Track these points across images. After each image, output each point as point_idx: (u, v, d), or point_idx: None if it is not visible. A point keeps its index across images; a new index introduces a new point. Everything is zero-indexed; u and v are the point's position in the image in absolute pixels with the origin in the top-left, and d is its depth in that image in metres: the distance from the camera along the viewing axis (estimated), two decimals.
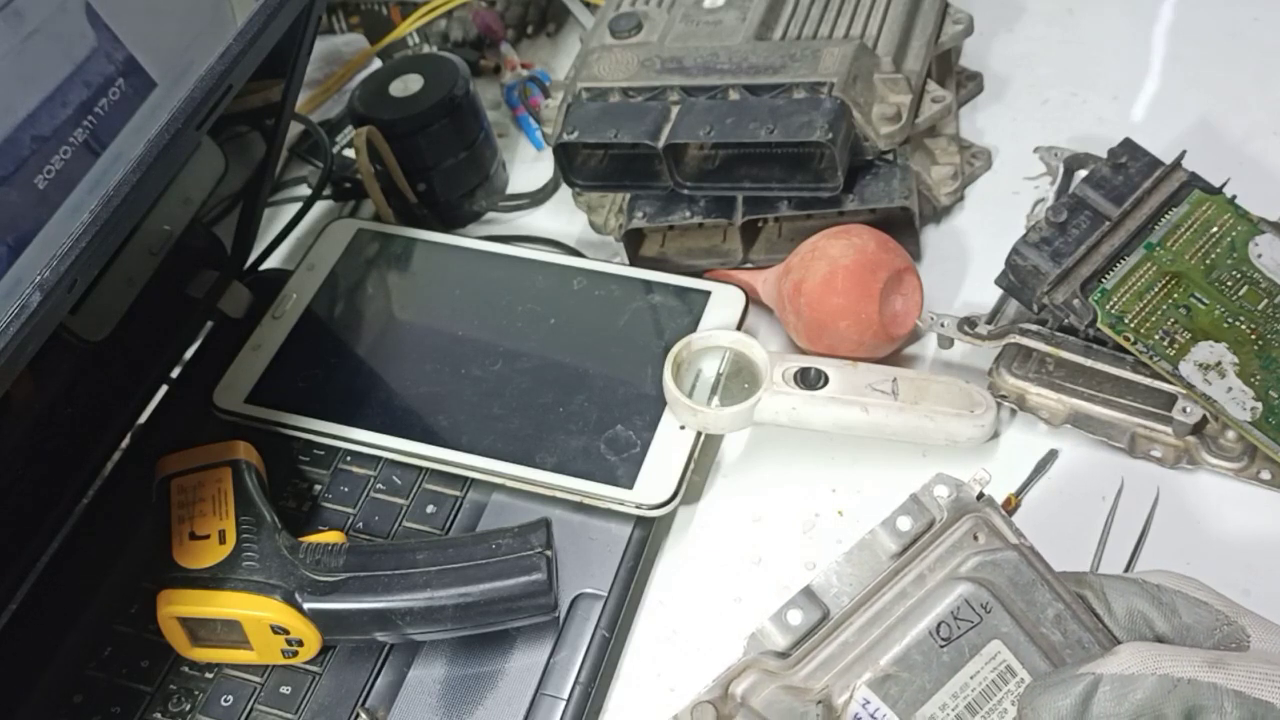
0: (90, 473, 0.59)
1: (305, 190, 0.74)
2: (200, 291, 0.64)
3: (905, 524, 0.39)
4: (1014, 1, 0.75)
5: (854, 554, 0.39)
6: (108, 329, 0.55)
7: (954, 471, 0.54)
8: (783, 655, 0.38)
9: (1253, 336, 0.51)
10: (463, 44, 0.81)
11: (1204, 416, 0.50)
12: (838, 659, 0.38)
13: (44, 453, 0.56)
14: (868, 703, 0.37)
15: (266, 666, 0.51)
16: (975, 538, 0.38)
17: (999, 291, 0.56)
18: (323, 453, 0.58)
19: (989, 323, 0.56)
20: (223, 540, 0.51)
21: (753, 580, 0.53)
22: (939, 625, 0.37)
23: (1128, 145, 0.56)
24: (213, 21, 0.52)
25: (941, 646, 0.37)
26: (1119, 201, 0.54)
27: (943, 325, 0.56)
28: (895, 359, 0.59)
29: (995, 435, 0.55)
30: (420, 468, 0.57)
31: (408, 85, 0.68)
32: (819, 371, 0.54)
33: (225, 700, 0.51)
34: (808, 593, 0.39)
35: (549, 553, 0.50)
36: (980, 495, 0.39)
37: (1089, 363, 0.53)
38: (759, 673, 0.38)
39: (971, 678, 0.37)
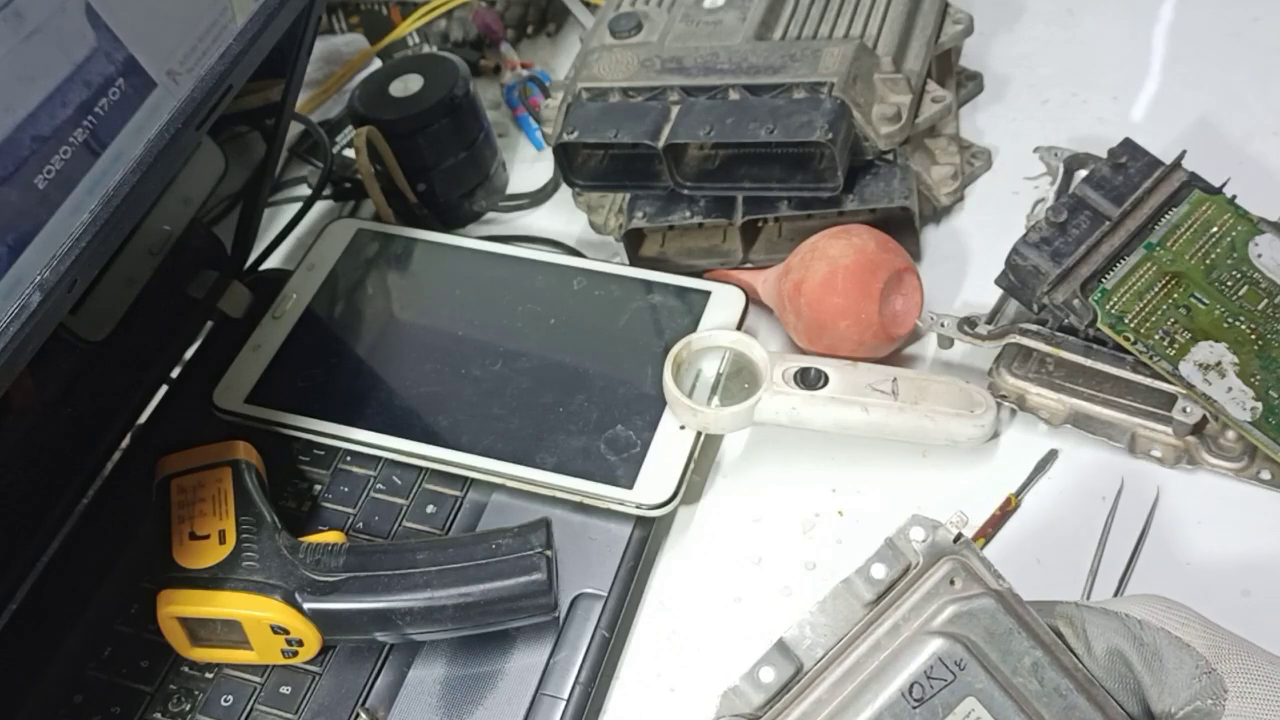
0: (90, 473, 0.59)
1: (305, 190, 0.74)
2: (200, 291, 0.64)
3: (880, 572, 0.38)
4: (1014, 1, 0.75)
5: (828, 603, 0.38)
6: (108, 329, 0.55)
7: (954, 472, 0.54)
8: (755, 716, 0.37)
9: (1253, 336, 0.51)
10: (463, 44, 0.81)
11: (1204, 416, 0.50)
12: (809, 718, 0.37)
13: (44, 453, 0.56)
14: None
15: (266, 666, 0.51)
16: (952, 583, 0.37)
17: (999, 291, 0.56)
18: (323, 453, 0.58)
19: (989, 323, 0.56)
20: (223, 540, 0.51)
21: (753, 580, 0.53)
22: (912, 686, 0.36)
23: (1128, 145, 0.56)
24: (213, 21, 0.52)
25: (914, 707, 0.36)
26: (1119, 201, 0.54)
27: (943, 325, 0.56)
28: (895, 359, 0.59)
29: (995, 435, 0.55)
30: (420, 468, 0.57)
31: (408, 85, 0.68)
32: (819, 371, 0.54)
33: (225, 700, 0.51)
34: (781, 647, 0.38)
35: (549, 553, 0.50)
36: (958, 537, 0.38)
37: (1089, 363, 0.53)
38: None
39: None
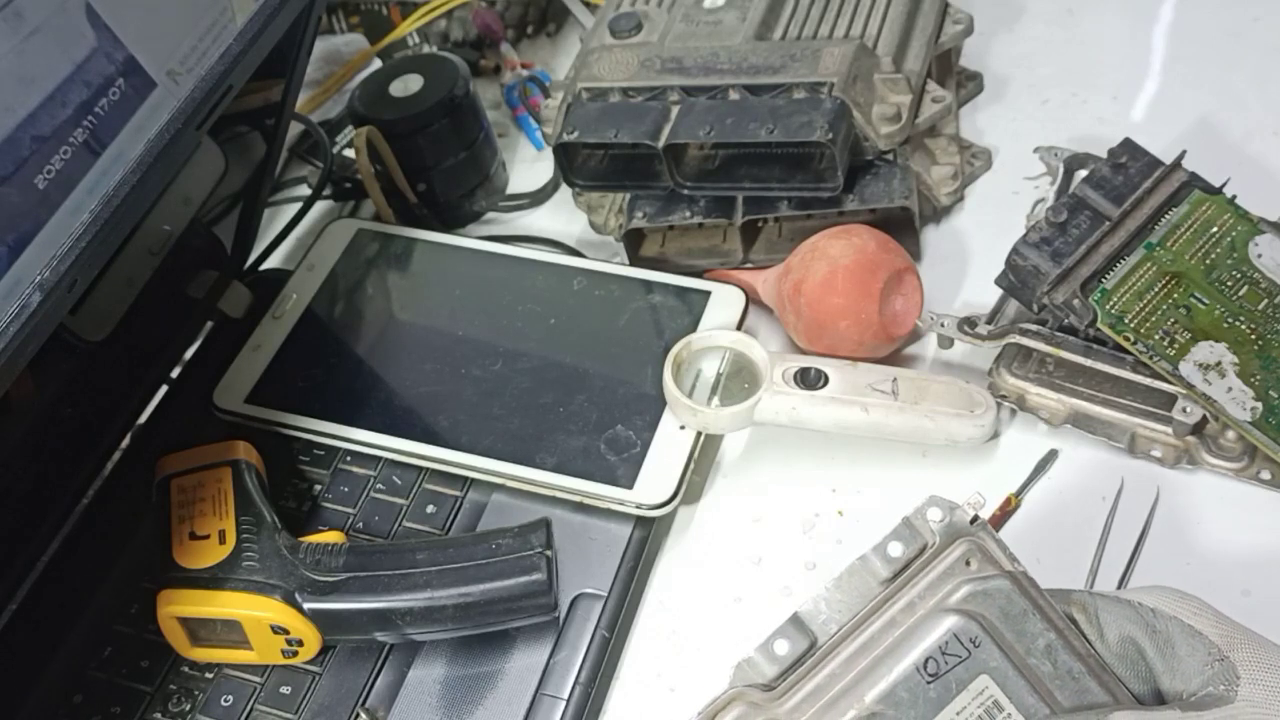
0: (90, 473, 0.59)
1: (305, 190, 0.74)
2: (200, 291, 0.64)
3: (896, 550, 0.38)
4: (1014, 1, 0.75)
5: (844, 580, 0.38)
6: (108, 329, 0.55)
7: (954, 472, 0.54)
8: (768, 687, 0.37)
9: (1253, 336, 0.51)
10: (463, 44, 0.81)
11: (1204, 416, 0.50)
12: (824, 691, 0.37)
13: (44, 453, 0.56)
14: None
15: (266, 666, 0.51)
16: (968, 563, 0.38)
17: (999, 291, 0.56)
18: (323, 453, 0.58)
19: (989, 323, 0.56)
20: (223, 540, 0.51)
21: (753, 580, 0.53)
22: (926, 660, 0.36)
23: (1128, 145, 0.56)
24: (213, 21, 0.52)
25: (929, 682, 0.36)
26: (1119, 201, 0.54)
27: (943, 325, 0.56)
28: (895, 359, 0.59)
29: (995, 435, 0.55)
30: (420, 468, 0.57)
31: (408, 85, 0.68)
32: (819, 371, 0.54)
33: (225, 700, 0.51)
34: (795, 621, 0.38)
35: (549, 553, 0.50)
36: (974, 519, 0.38)
37: (1089, 363, 0.53)
38: (744, 705, 0.37)
39: (958, 714, 0.36)
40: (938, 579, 0.38)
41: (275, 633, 0.49)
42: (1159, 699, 0.37)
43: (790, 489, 0.55)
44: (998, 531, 0.51)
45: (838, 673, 0.37)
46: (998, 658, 0.36)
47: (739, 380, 0.56)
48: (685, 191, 0.61)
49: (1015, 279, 0.54)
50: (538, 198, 0.72)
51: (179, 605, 0.50)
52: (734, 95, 0.59)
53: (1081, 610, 0.38)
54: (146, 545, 0.56)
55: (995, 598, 0.37)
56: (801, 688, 0.37)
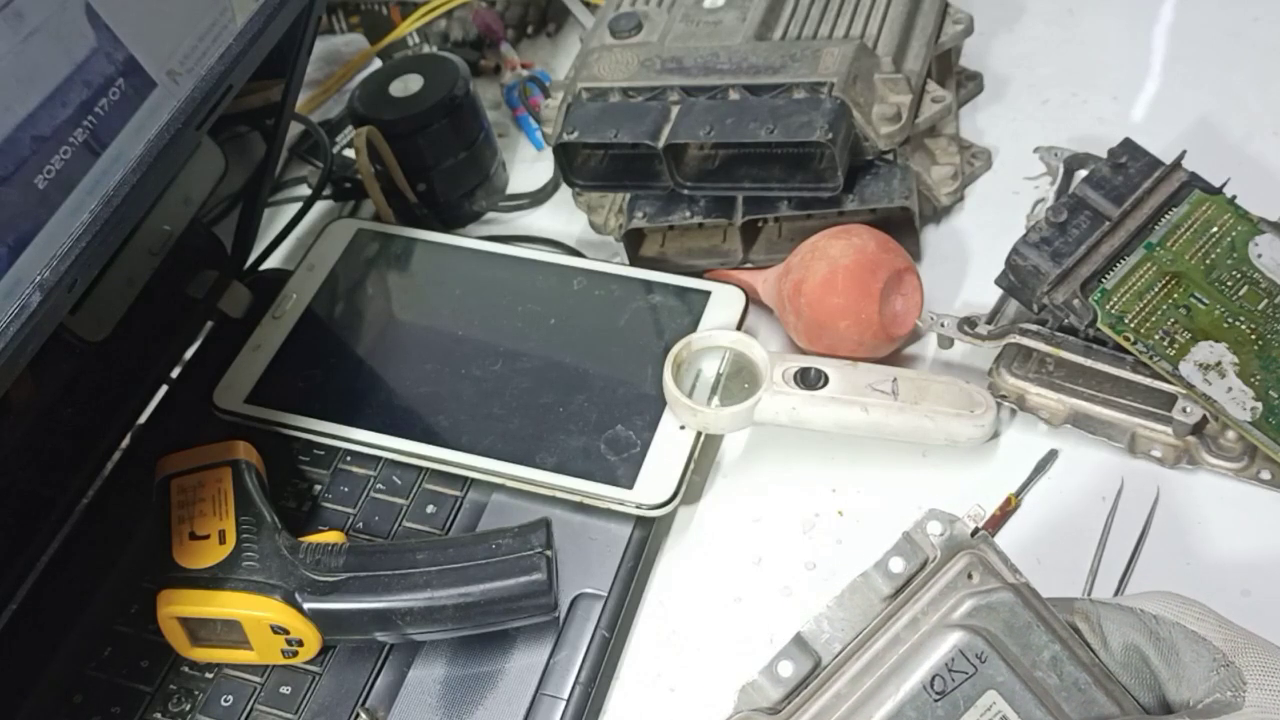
0: (90, 473, 0.59)
1: (305, 190, 0.74)
2: (200, 291, 0.64)
3: (898, 565, 0.38)
4: (1014, 1, 0.75)
5: (845, 597, 0.38)
6: (108, 329, 0.55)
7: (954, 472, 0.54)
8: (774, 710, 0.37)
9: (1253, 336, 0.51)
10: (463, 44, 0.81)
11: (1204, 416, 0.50)
12: (830, 712, 0.37)
13: (44, 453, 0.56)
14: None
15: (266, 666, 0.51)
16: (970, 577, 0.37)
17: (999, 291, 0.56)
18: (323, 453, 0.58)
19: (989, 323, 0.56)
20: (223, 540, 0.51)
21: (753, 580, 0.53)
22: (933, 678, 0.36)
23: (1128, 145, 0.56)
24: (213, 22, 0.52)
25: (936, 700, 0.36)
26: (1119, 201, 0.54)
27: (943, 325, 0.56)
28: (895, 359, 0.59)
29: (995, 435, 0.55)
30: (420, 468, 0.57)
31: (408, 85, 0.68)
32: (819, 371, 0.54)
33: (225, 700, 0.51)
34: (799, 642, 0.38)
35: (549, 553, 0.50)
36: (975, 531, 0.38)
37: (1089, 363, 0.53)
38: None
39: None
40: (940, 594, 0.37)
41: (275, 633, 0.49)
42: (1165, 707, 0.37)
43: (790, 489, 0.55)
44: (997, 531, 0.52)
45: (844, 693, 0.37)
46: (1004, 672, 0.36)
47: (739, 380, 0.56)
48: (685, 191, 0.61)
49: (1015, 279, 0.54)
50: (538, 198, 0.72)
51: (179, 605, 0.50)
52: (734, 95, 0.59)
53: (1084, 619, 0.38)
54: (146, 545, 0.56)
55: (999, 611, 0.37)
56: (807, 709, 0.37)
